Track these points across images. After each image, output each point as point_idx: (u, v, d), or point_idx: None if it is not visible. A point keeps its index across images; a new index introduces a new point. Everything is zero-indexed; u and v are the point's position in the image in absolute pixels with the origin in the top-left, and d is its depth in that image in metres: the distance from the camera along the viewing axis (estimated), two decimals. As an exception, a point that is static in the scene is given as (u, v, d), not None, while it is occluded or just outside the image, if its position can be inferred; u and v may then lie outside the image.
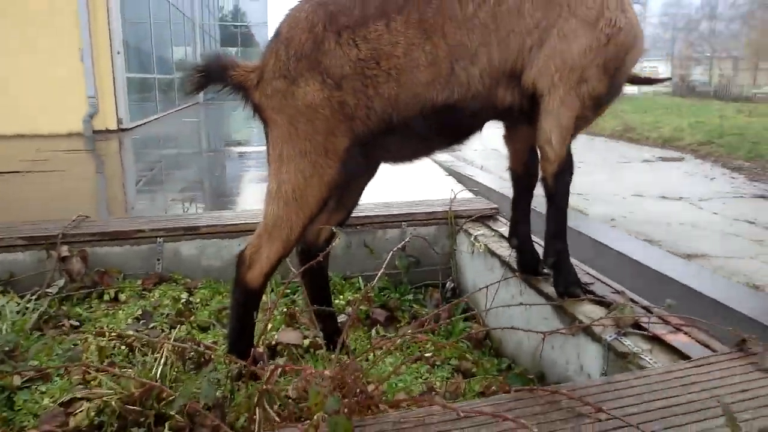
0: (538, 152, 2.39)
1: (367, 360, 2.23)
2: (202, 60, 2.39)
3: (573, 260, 2.54)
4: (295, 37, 2.25)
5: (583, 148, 18.29)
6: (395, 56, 2.19)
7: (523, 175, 2.67)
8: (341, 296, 3.16)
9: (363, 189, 2.77)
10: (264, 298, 2.64)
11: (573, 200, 10.20)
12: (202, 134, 16.39)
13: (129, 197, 7.21)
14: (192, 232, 3.38)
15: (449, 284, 3.20)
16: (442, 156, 12.40)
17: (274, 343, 2.54)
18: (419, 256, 3.28)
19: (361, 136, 2.29)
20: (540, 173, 2.43)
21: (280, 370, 1.68)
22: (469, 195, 3.71)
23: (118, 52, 13.49)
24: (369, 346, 2.30)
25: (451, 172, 11.19)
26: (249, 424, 1.57)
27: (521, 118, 2.38)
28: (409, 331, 2.12)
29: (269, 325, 2.69)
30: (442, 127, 2.37)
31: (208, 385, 1.52)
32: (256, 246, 2.38)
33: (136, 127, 14.73)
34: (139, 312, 3.03)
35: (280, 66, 2.26)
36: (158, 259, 3.40)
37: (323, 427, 1.20)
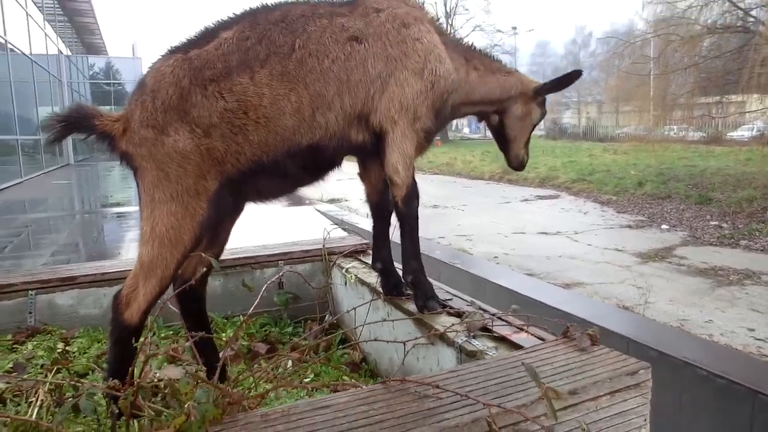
0: (389, 182, 2.68)
1: (249, 390, 2.33)
2: (63, 110, 2.45)
3: (433, 280, 2.80)
4: (162, 89, 2.38)
5: (464, 192, 19.28)
6: (262, 106, 2.40)
7: (378, 204, 2.93)
8: (223, 334, 3.23)
9: (233, 225, 2.91)
10: (147, 339, 2.68)
11: (459, 242, 10.61)
12: (75, 196, 15.64)
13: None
14: (69, 282, 3.30)
15: (328, 317, 3.37)
16: (327, 206, 12.65)
17: (155, 381, 2.56)
18: (297, 292, 3.44)
19: (231, 178, 2.45)
20: (392, 199, 2.70)
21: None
22: (342, 233, 3.93)
23: (-27, 114, 12.69)
24: (249, 375, 2.41)
25: (336, 221, 11.44)
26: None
27: (373, 153, 2.69)
28: (287, 353, 2.24)
29: (150, 365, 2.72)
30: (306, 165, 2.61)
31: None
32: (133, 286, 2.44)
33: (-2, 192, 13.76)
34: (10, 365, 2.92)
35: (147, 116, 2.37)
36: (30, 312, 3.31)
37: (195, 414, 1.33)
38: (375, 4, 2.67)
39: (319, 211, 12.76)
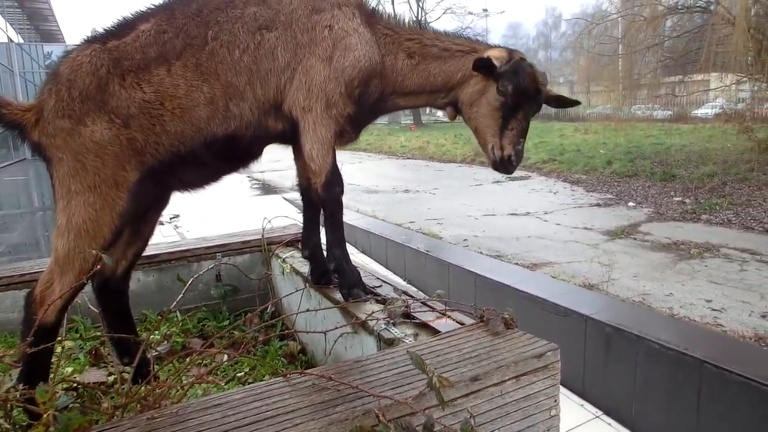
0: (307, 168, 2.63)
1: (180, 389, 2.25)
2: None
3: (362, 264, 2.75)
4: (79, 78, 2.34)
5: (436, 176, 19.27)
6: (178, 97, 2.39)
7: (307, 190, 2.87)
8: (156, 332, 3.13)
9: (158, 218, 2.86)
10: (70, 343, 2.60)
11: (429, 226, 10.58)
12: (33, 192, 15.32)
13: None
14: None
15: (270, 307, 3.29)
16: (295, 194, 12.53)
17: (75, 385, 2.47)
18: (237, 283, 3.35)
19: (151, 168, 2.42)
20: (312, 186, 2.64)
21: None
22: (286, 222, 3.83)
23: None
24: (178, 373, 2.33)
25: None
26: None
27: (295, 141, 2.63)
28: (214, 350, 2.16)
29: (70, 368, 2.64)
30: (224, 155, 2.59)
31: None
32: (48, 282, 2.36)
33: (-58, 189, 13.22)
34: None
35: (63, 106, 2.32)
36: None
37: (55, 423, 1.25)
38: None
39: (286, 199, 12.70)
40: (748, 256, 8.06)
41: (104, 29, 2.50)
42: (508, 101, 2.49)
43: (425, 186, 16.51)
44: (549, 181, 16.77)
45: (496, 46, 2.66)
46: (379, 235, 9.15)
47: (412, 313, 2.16)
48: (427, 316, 2.12)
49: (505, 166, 2.53)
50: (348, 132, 2.69)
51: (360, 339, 2.25)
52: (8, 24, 28.94)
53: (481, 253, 8.57)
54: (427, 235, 9.75)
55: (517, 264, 8.01)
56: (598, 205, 12.73)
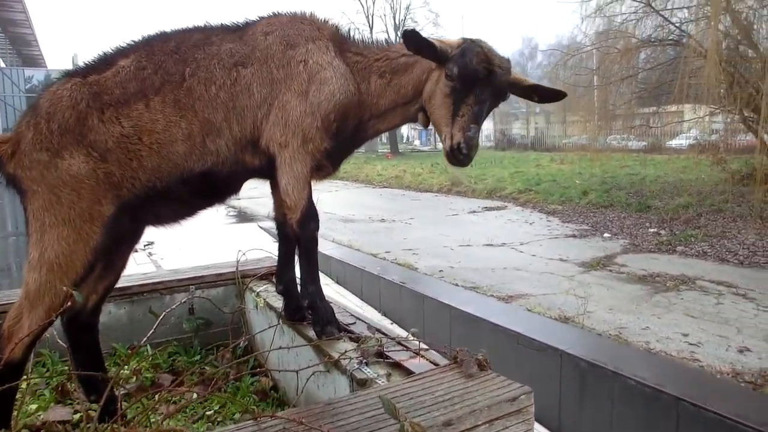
0: (283, 204, 2.65)
1: (147, 426, 2.22)
2: None
3: (336, 299, 2.76)
4: (58, 112, 2.38)
5: (412, 205, 19.36)
6: (156, 132, 2.44)
7: (283, 223, 2.89)
8: (126, 367, 3.09)
9: (131, 252, 2.86)
10: (36, 379, 2.56)
11: (405, 256, 10.60)
12: (7, 216, 15.26)
13: None
14: None
15: (242, 342, 3.29)
16: (271, 223, 12.48)
17: (38, 424, 2.44)
18: (210, 317, 3.35)
19: (127, 203, 2.46)
20: (288, 221, 2.66)
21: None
22: (261, 255, 3.84)
23: None
24: (146, 412, 2.30)
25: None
26: None
27: (272, 176, 2.65)
28: (184, 389, 2.15)
29: (34, 405, 2.60)
30: (201, 190, 2.63)
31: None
32: (16, 317, 2.36)
33: None
34: None
35: (41, 139, 2.36)
36: None
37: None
38: (266, 27, 2.71)
39: (262, 228, 12.66)
40: (724, 289, 8.15)
41: (85, 63, 2.59)
42: (456, 85, 2.41)
43: (401, 215, 16.56)
44: (525, 211, 16.92)
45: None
46: (355, 265, 9.15)
47: (386, 353, 2.17)
48: (400, 356, 2.14)
49: (455, 155, 2.40)
50: (326, 166, 2.72)
51: (333, 378, 2.26)
52: None
53: (456, 284, 8.59)
54: (402, 265, 9.76)
55: (492, 296, 8.03)
56: (574, 236, 12.85)
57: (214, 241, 10.75)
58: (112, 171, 2.40)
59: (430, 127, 2.68)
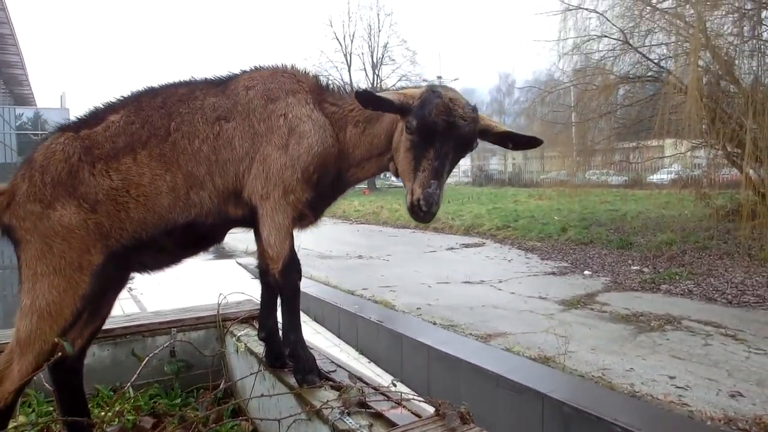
0: (264, 254, 2.73)
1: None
2: None
3: (316, 348, 2.82)
4: (52, 165, 2.52)
5: (390, 241, 19.39)
6: (142, 185, 2.57)
7: (264, 272, 2.96)
8: (107, 408, 3.14)
9: (116, 297, 2.93)
10: (22, 418, 2.62)
11: (382, 294, 10.60)
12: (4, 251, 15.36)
13: None
14: None
15: (223, 385, 3.31)
16: (249, 259, 12.47)
17: None
18: (191, 359, 3.39)
19: (115, 252, 2.57)
20: (270, 271, 2.74)
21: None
22: (241, 297, 3.88)
23: None
24: None
25: (256, 275, 11.27)
26: None
27: (254, 226, 2.75)
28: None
29: None
30: (185, 241, 2.75)
31: None
32: (7, 362, 2.47)
33: None
34: None
35: (35, 191, 2.50)
36: None
37: None
38: (247, 81, 2.81)
39: (240, 264, 12.65)
40: (712, 330, 8.09)
41: (77, 118, 2.73)
42: (415, 139, 2.37)
43: (378, 252, 16.57)
44: (503, 248, 16.99)
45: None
46: (332, 303, 9.15)
47: (368, 402, 2.21)
48: (382, 406, 2.16)
49: (415, 212, 2.36)
50: (308, 215, 2.80)
51: (314, 427, 2.27)
52: None
53: (434, 323, 8.56)
54: (379, 303, 9.73)
55: (471, 334, 7.97)
56: (554, 273, 12.90)
57: (192, 278, 10.69)
58: (102, 222, 2.52)
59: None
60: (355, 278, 12.15)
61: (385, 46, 55.01)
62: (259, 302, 3.73)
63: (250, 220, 2.73)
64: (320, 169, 2.71)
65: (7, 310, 7.68)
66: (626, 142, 18.63)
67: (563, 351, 6.96)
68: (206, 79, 2.86)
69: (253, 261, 12.18)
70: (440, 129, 2.33)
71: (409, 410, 2.11)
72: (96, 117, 2.69)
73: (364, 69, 54.38)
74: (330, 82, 2.98)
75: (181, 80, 2.85)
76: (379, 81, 52.05)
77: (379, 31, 55.51)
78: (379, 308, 9.20)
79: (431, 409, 2.11)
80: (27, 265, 2.48)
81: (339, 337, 8.57)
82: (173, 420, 2.90)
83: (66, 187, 2.51)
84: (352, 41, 55.46)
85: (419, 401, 2.19)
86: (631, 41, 15.79)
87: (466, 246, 17.49)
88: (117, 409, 3.11)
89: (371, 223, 26.30)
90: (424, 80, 55.34)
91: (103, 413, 3.03)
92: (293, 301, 2.74)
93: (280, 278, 2.70)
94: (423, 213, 2.32)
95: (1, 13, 24.65)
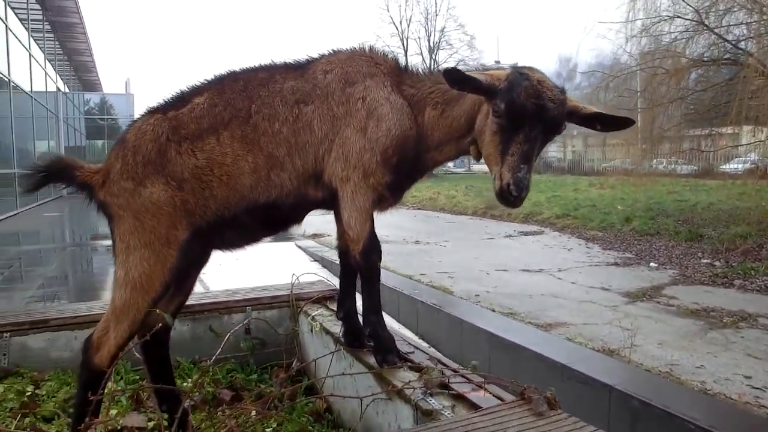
0: (345, 236, 2.81)
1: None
2: (42, 160, 2.69)
3: (396, 330, 2.88)
4: (143, 145, 2.69)
5: (447, 228, 19.37)
6: (225, 165, 2.70)
7: (344, 253, 3.06)
8: (189, 380, 3.36)
9: (198, 274, 3.08)
10: (111, 385, 2.79)
11: (440, 279, 10.66)
12: (66, 228, 16.49)
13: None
14: (41, 325, 3.54)
15: (295, 363, 3.43)
16: (308, 242, 12.69)
17: (119, 427, 2.68)
18: (265, 337, 3.54)
19: (199, 229, 2.72)
20: (351, 252, 2.83)
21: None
22: (313, 278, 4.01)
23: (-25, 149, 13.67)
24: (210, 426, 2.47)
25: (316, 258, 11.47)
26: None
27: (334, 208, 2.91)
28: (250, 405, 2.28)
29: (114, 410, 2.82)
30: (266, 220, 2.89)
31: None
32: (104, 329, 2.66)
33: (-6, 224, 14.69)
34: None
35: (128, 169, 2.68)
36: (4, 354, 3.52)
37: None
38: (326, 65, 2.89)
39: (299, 246, 12.87)
40: None
41: (164, 100, 2.88)
42: (504, 123, 2.35)
43: (436, 238, 16.57)
44: (563, 237, 16.79)
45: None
46: (392, 287, 9.22)
47: (448, 384, 2.25)
48: (462, 388, 2.21)
49: (504, 196, 2.37)
50: (387, 198, 2.88)
51: (394, 406, 2.34)
52: (58, 75, 33.37)
53: (493, 310, 8.57)
54: (438, 288, 9.76)
55: (530, 323, 7.95)
56: (616, 264, 12.68)
57: (253, 259, 10.94)
58: (187, 199, 2.67)
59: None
60: (413, 263, 12.17)
61: (442, 31, 54.74)
62: (329, 283, 3.86)
63: (330, 202, 2.84)
64: (399, 152, 2.78)
65: (81, 285, 8.09)
66: (697, 129, 17.97)
67: (629, 344, 6.85)
68: (285, 63, 2.97)
69: (312, 244, 12.41)
70: (529, 112, 2.30)
71: (490, 393, 2.14)
72: (182, 99, 2.83)
73: (421, 54, 54.25)
74: (409, 64, 3.02)
75: (261, 64, 2.97)
76: (435, 66, 51.85)
77: (436, 15, 55.16)
78: (438, 293, 9.23)
79: (507, 395, 2.12)
80: (120, 239, 2.66)
81: (398, 320, 8.63)
82: (251, 395, 3.05)
83: (155, 166, 2.66)
84: (408, 25, 55.33)
85: (499, 385, 2.21)
86: (706, 21, 15.20)
87: (525, 234, 17.33)
88: (198, 381, 3.28)
89: (428, 209, 26.29)
90: (482, 64, 54.78)
91: (184, 384, 3.21)
92: (373, 282, 2.83)
93: (361, 259, 2.81)
94: (513, 198, 2.33)
95: (71, 3, 25.70)
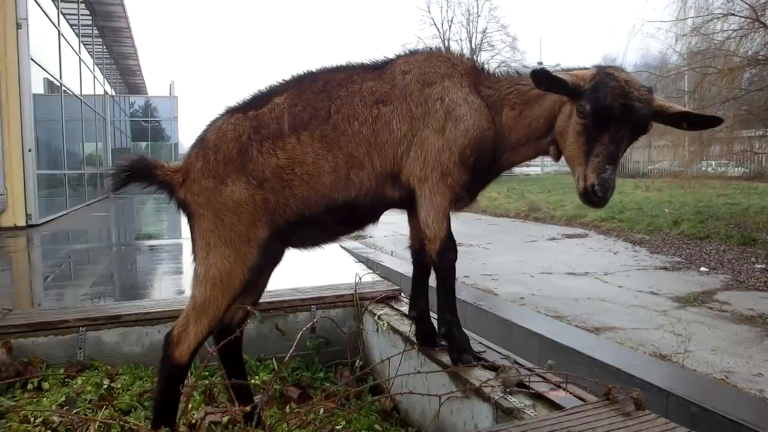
0: (422, 235, 2.86)
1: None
2: (126, 160, 2.79)
3: (467, 331, 2.92)
4: (224, 144, 2.76)
5: (489, 230, 19.27)
6: (306, 164, 2.75)
7: (418, 253, 3.11)
8: (256, 377, 3.46)
9: (272, 272, 3.15)
10: (191, 382, 2.89)
11: (484, 281, 10.64)
12: (112, 228, 17.07)
13: (37, 293, 7.54)
14: (114, 320, 3.66)
15: (358, 362, 3.50)
16: (351, 242, 12.81)
17: (194, 421, 2.77)
18: (329, 336, 3.63)
19: (279, 227, 2.79)
20: (427, 252, 2.87)
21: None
22: (375, 278, 4.09)
23: (29, 150, 13.98)
24: (283, 422, 2.54)
25: (361, 259, 11.57)
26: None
27: (411, 207, 2.93)
28: (321, 403, 2.35)
29: (189, 405, 2.91)
30: (344, 219, 2.94)
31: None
32: (184, 325, 2.73)
33: (46, 222, 15.39)
34: (63, 399, 3.25)
35: (209, 168, 2.74)
36: (80, 348, 3.65)
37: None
38: (403, 65, 2.94)
39: (344, 248, 12.99)
40: None
41: (243, 101, 2.95)
42: (589, 123, 2.37)
43: (478, 240, 16.54)
44: (608, 240, 16.55)
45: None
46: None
47: (527, 383, 2.27)
48: (541, 387, 2.23)
49: (589, 197, 2.43)
50: (464, 197, 2.92)
51: (470, 404, 2.37)
52: (105, 79, 33.91)
53: (539, 312, 8.53)
54: (482, 290, 9.76)
55: (578, 327, 7.89)
56: (665, 268, 12.48)
57: (299, 259, 11.06)
58: (268, 198, 2.72)
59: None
60: (457, 265, 12.06)
61: (483, 32, 54.44)
62: (390, 283, 3.94)
63: (406, 201, 2.88)
64: (477, 152, 2.82)
65: (131, 283, 8.34)
66: (750, 130, 17.54)
67: (681, 350, 6.76)
68: (362, 63, 3.03)
69: (357, 245, 12.48)
70: (616, 113, 2.32)
71: (571, 393, 2.17)
72: (261, 99, 2.90)
73: (479, 63, 54.01)
74: (486, 65, 3.07)
75: (339, 65, 3.03)
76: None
77: (478, 16, 54.88)
78: (483, 295, 9.22)
79: (589, 396, 2.14)
80: (201, 237, 2.73)
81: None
82: (319, 393, 3.12)
83: (236, 165, 2.72)
84: (450, 27, 55.23)
85: (578, 385, 2.23)
86: (762, 18, 14.82)
87: (568, 236, 17.17)
88: (264, 378, 3.37)
89: (470, 211, 26.10)
90: (525, 66, 54.26)
91: (252, 381, 3.30)
92: (450, 281, 2.88)
93: (438, 259, 2.85)
94: (598, 198, 2.39)
95: (118, 8, 26.28)
